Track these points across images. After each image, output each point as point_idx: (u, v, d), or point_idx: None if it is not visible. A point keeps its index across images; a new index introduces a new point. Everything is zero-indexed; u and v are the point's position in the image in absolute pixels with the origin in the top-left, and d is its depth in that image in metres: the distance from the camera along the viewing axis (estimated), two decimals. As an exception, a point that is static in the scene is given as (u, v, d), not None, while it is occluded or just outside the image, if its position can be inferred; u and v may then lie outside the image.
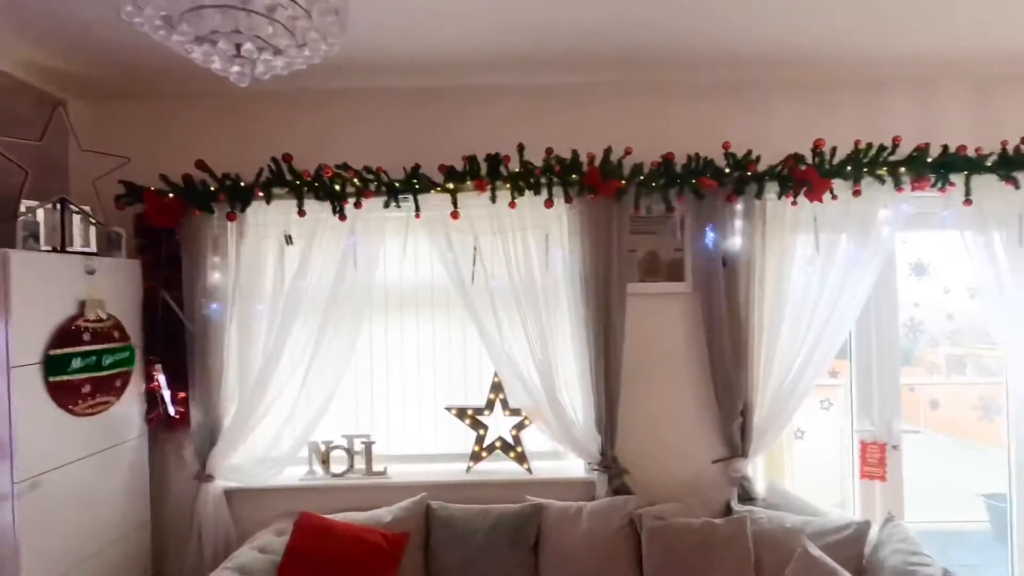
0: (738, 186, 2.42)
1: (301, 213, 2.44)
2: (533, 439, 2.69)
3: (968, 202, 2.42)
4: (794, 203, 2.43)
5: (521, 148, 2.41)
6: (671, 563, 2.11)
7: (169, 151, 2.54)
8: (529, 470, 2.59)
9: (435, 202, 2.47)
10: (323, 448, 2.60)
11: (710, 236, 2.46)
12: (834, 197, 2.42)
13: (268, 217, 2.50)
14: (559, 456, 2.71)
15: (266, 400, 2.47)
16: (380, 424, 2.73)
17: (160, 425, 2.52)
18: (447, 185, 2.44)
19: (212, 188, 2.45)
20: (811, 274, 2.47)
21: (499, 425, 2.65)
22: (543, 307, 2.49)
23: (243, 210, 2.46)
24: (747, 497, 2.46)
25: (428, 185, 2.44)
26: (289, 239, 2.48)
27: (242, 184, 2.45)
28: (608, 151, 2.42)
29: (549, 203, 2.42)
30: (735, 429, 2.47)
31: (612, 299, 2.45)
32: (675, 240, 2.55)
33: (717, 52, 2.38)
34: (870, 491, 2.76)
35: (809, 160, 2.42)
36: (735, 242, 2.44)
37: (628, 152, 2.43)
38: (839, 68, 2.51)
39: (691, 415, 2.57)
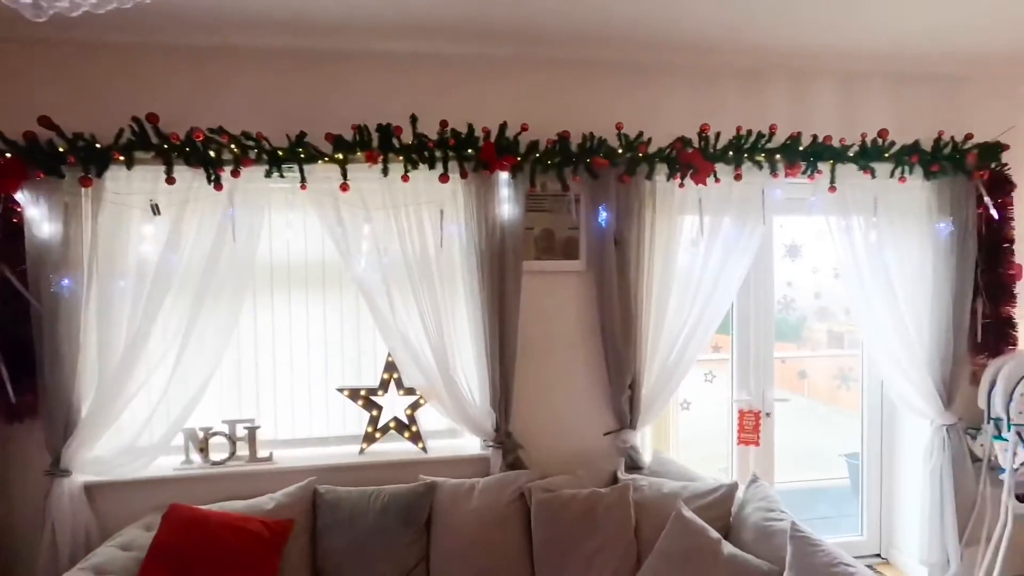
0: (630, 167, 2.48)
1: (170, 180, 2.22)
2: (429, 418, 2.66)
3: (833, 189, 2.63)
4: (681, 185, 2.52)
5: (414, 119, 2.33)
6: (558, 532, 2.16)
7: (7, 106, 2.22)
8: (424, 449, 2.56)
9: (323, 173, 2.33)
10: (201, 435, 2.43)
11: (603, 215, 2.51)
12: (717, 180, 2.54)
13: (131, 184, 2.26)
14: (456, 434, 2.71)
15: (132, 385, 2.26)
16: (267, 408, 2.58)
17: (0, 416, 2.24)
18: (335, 155, 2.31)
19: (61, 149, 2.17)
20: (696, 254, 2.59)
21: (393, 405, 2.59)
22: (438, 284, 2.44)
23: (99, 175, 2.20)
24: (634, 466, 2.57)
25: (314, 155, 2.30)
26: (156, 208, 2.25)
27: (98, 146, 2.19)
28: (504, 127, 2.39)
29: (444, 178, 2.36)
30: (624, 402, 2.57)
31: (508, 276, 2.45)
32: (570, 218, 2.58)
33: (613, 33, 2.41)
34: (746, 456, 2.99)
35: (695, 144, 2.52)
36: (626, 221, 2.51)
37: (524, 129, 2.41)
38: (726, 56, 2.61)
39: (584, 389, 2.64)
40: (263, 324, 2.57)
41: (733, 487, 2.19)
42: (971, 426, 2.80)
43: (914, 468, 2.92)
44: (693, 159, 2.47)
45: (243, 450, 2.46)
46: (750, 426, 2.93)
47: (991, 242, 2.75)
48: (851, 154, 2.63)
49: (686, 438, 3.45)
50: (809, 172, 2.60)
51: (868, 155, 2.63)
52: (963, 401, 2.78)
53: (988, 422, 2.71)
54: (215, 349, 2.33)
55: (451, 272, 2.49)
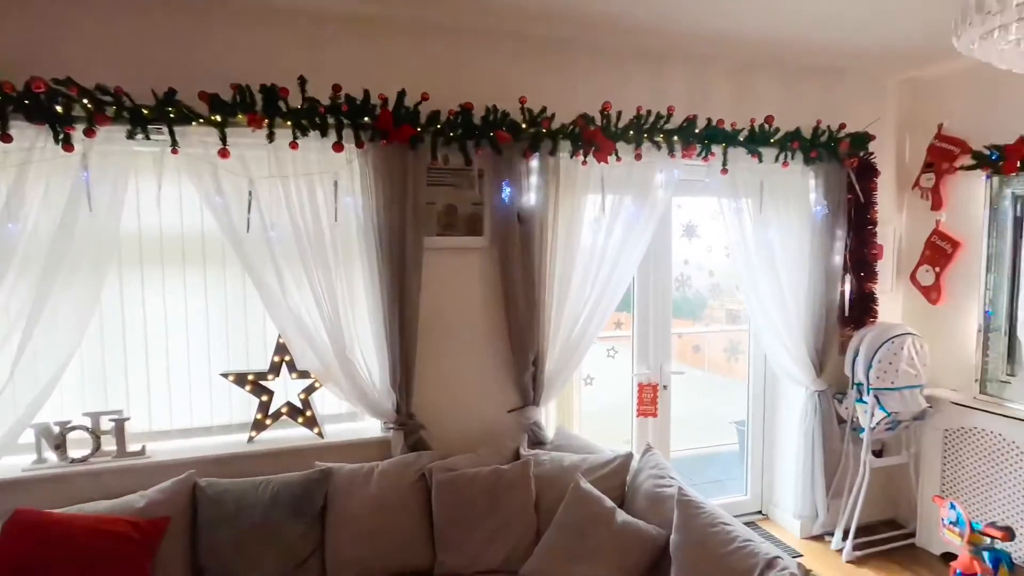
0: (533, 142, 2.45)
1: (5, 138, 1.91)
2: (327, 402, 2.53)
3: (725, 171, 2.76)
4: (584, 163, 2.53)
5: (303, 81, 2.15)
6: (459, 511, 2.14)
7: None
8: (321, 434, 2.44)
9: (198, 137, 2.10)
10: (57, 430, 2.15)
11: (507, 191, 2.47)
12: (618, 159, 2.57)
13: (-47, 141, 1.92)
14: (355, 417, 2.60)
15: (-38, 376, 1.95)
16: (139, 398, 2.34)
17: None
18: (213, 117, 2.09)
19: None
20: (598, 232, 2.63)
21: (286, 390, 2.44)
22: (333, 260, 2.30)
23: (-91, 128, 1.85)
24: (538, 442, 2.60)
25: (187, 115, 2.07)
26: (-14, 170, 1.93)
27: (-95, 93, 1.83)
28: (402, 94, 2.27)
29: (338, 147, 2.21)
30: (528, 379, 2.58)
31: (408, 252, 2.35)
32: (474, 193, 2.52)
33: (518, 3, 2.34)
34: (645, 427, 3.12)
35: (598, 122, 2.54)
36: (530, 198, 2.49)
37: (425, 98, 2.31)
38: (629, 36, 2.62)
39: (488, 367, 2.62)
40: (132, 304, 2.31)
41: (628, 457, 2.26)
42: (838, 391, 3.09)
43: (791, 431, 3.19)
44: (595, 137, 2.48)
45: (110, 445, 2.21)
46: (648, 399, 3.06)
47: (858, 224, 3.02)
48: (741, 138, 2.77)
49: (590, 412, 3.56)
50: (703, 154, 2.71)
51: (756, 140, 2.78)
52: (832, 369, 3.06)
53: (852, 387, 3.00)
54: (71, 332, 2.06)
55: (347, 248, 2.35)
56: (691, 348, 3.84)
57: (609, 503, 2.06)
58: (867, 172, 3.00)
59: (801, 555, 2.99)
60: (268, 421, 2.40)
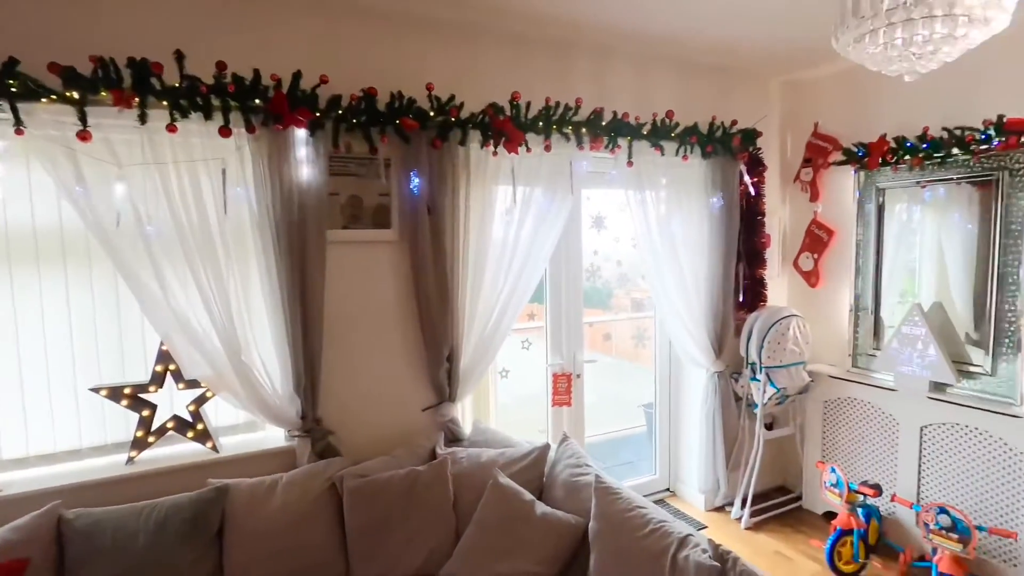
0: (442, 131, 2.37)
1: None
2: (223, 412, 2.31)
3: (630, 164, 2.84)
4: (495, 153, 2.49)
5: (180, 57, 1.92)
6: (373, 518, 2.04)
7: None
8: (215, 448, 2.22)
9: (50, 116, 1.81)
10: None
11: (415, 181, 2.37)
12: (528, 150, 2.56)
13: None
14: (255, 427, 2.41)
15: None
16: (-16, 421, 2.00)
17: None
18: (69, 94, 1.81)
19: None
20: (510, 223, 2.60)
21: (172, 402, 2.19)
22: (223, 256, 2.09)
23: None
24: (455, 439, 2.54)
25: (36, 90, 1.78)
26: None
27: None
28: (298, 76, 2.09)
29: (225, 131, 2.00)
30: (442, 375, 2.51)
31: (310, 247, 2.19)
32: (380, 184, 2.39)
33: (420, -16, 2.25)
34: (560, 416, 3.16)
35: (507, 112, 2.50)
36: (440, 188, 2.41)
37: (323, 80, 2.15)
38: (537, 25, 2.60)
39: (400, 365, 2.52)
40: (-29, 313, 1.96)
41: (545, 448, 2.27)
42: (735, 371, 3.31)
43: (693, 411, 3.38)
44: (505, 127, 2.45)
45: (-53, 479, 1.87)
46: (563, 388, 3.10)
47: (749, 215, 3.24)
48: (645, 132, 2.86)
49: (506, 404, 3.55)
50: (610, 147, 2.76)
51: (658, 134, 2.88)
52: (729, 351, 3.26)
53: (746, 367, 3.22)
54: None
55: (241, 242, 2.15)
56: (602, 336, 3.96)
57: (528, 496, 2.05)
58: (756, 166, 3.22)
59: (706, 527, 3.19)
60: (151, 439, 2.15)
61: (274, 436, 2.37)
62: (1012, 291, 2.50)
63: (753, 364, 3.16)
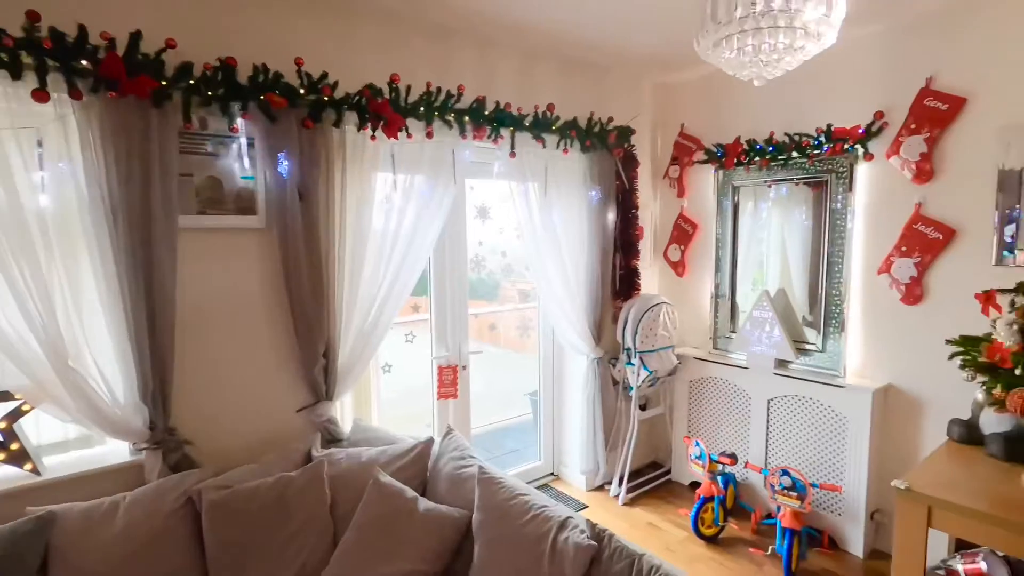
0: (314, 111, 2.21)
1: None
2: (47, 427, 1.98)
3: (513, 155, 2.85)
4: (373, 137, 2.37)
5: (-26, 1, 1.59)
6: (238, 533, 1.86)
7: None
8: (36, 471, 1.89)
9: None
10: None
11: (285, 164, 2.18)
12: (409, 136, 2.47)
13: None
14: (93, 441, 2.09)
15: None
16: None
17: None
18: None
19: None
20: (390, 212, 2.50)
21: (-25, 418, 1.83)
22: (42, 246, 1.77)
23: None
24: (333, 439, 2.40)
25: None
26: None
27: None
28: (136, 36, 1.83)
29: (42, 95, 1.69)
30: (318, 373, 2.35)
31: (156, 235, 1.93)
32: (242, 166, 2.17)
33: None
34: (446, 408, 3.12)
35: (386, 94, 2.39)
36: (313, 173, 2.24)
37: (170, 45, 1.90)
38: (416, 6, 2.52)
39: (270, 364, 2.32)
40: None
41: (429, 443, 2.22)
42: (612, 357, 3.48)
43: (575, 397, 3.51)
44: (383, 110, 2.33)
45: None
46: (448, 380, 3.06)
47: (624, 208, 3.41)
48: (527, 124, 2.88)
49: (390, 400, 3.44)
50: (493, 137, 2.75)
51: (539, 126, 2.93)
52: (607, 337, 3.43)
53: (622, 352, 3.41)
54: None
55: (66, 229, 1.84)
56: (488, 327, 3.98)
57: (411, 493, 1.99)
58: (630, 162, 3.40)
59: (587, 506, 3.33)
60: (-53, 464, 1.78)
61: (117, 451, 2.08)
62: (838, 279, 2.88)
63: (628, 349, 3.35)
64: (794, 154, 2.98)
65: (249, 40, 2.14)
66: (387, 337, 2.59)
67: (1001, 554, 2.14)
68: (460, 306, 3.11)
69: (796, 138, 2.95)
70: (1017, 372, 1.84)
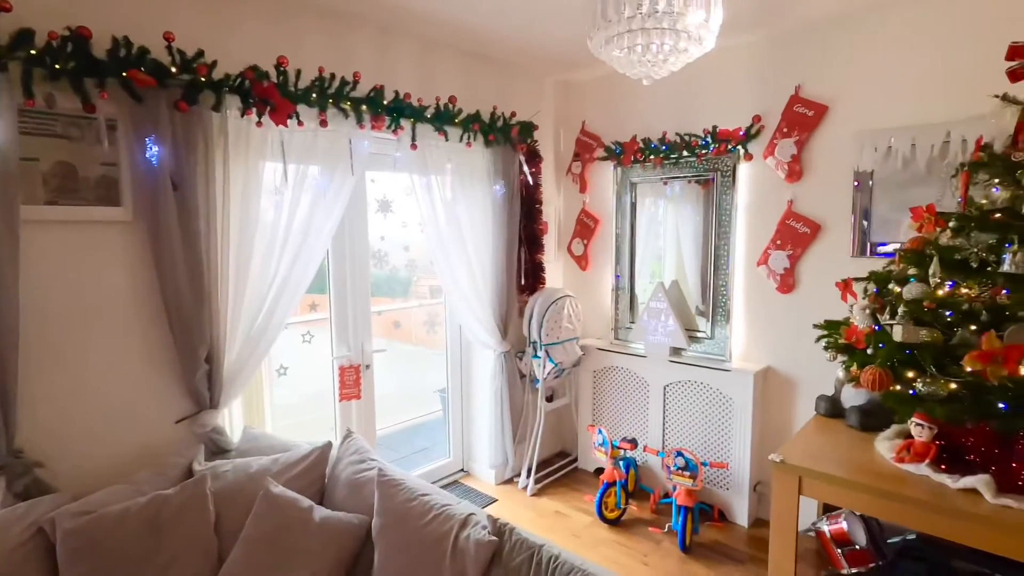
0: (190, 92, 2.01)
1: None
2: None
3: (414, 146, 2.78)
4: (259, 124, 2.20)
5: None
6: (103, 565, 1.65)
7: None
8: None
9: None
10: None
11: (154, 150, 1.97)
12: (300, 123, 2.32)
13: None
14: (-88, 472, 1.77)
15: None
16: None
17: None
18: None
19: None
20: (281, 205, 2.34)
21: None
22: None
23: None
24: (219, 451, 2.22)
25: None
26: None
27: None
28: (-44, -5, 1.56)
29: None
30: (200, 380, 2.16)
31: (-9, 228, 1.67)
32: (102, 150, 1.93)
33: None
34: (349, 410, 2.99)
35: (273, 77, 2.23)
36: (189, 160, 2.04)
37: (4, 8, 1.64)
38: (306, -13, 2.37)
39: (142, 372, 2.10)
40: None
41: (326, 448, 2.11)
42: (519, 350, 3.52)
43: (483, 391, 3.51)
44: (269, 94, 2.18)
45: None
46: (351, 381, 2.94)
47: (528, 203, 3.44)
48: (428, 115, 2.82)
49: (286, 405, 3.25)
50: (393, 127, 2.67)
51: (441, 118, 2.87)
52: (514, 331, 3.46)
53: (529, 345, 3.45)
54: None
55: None
56: (392, 324, 3.87)
57: (306, 502, 1.88)
58: (533, 157, 3.44)
59: (496, 500, 3.34)
60: None
61: (-55, 480, 1.78)
62: (724, 271, 3.09)
63: (535, 343, 3.40)
64: (684, 153, 3.16)
65: (108, 9, 1.90)
66: (281, 338, 2.43)
67: (859, 514, 2.41)
68: (362, 303, 2.99)
69: (686, 138, 3.12)
70: (869, 351, 2.06)
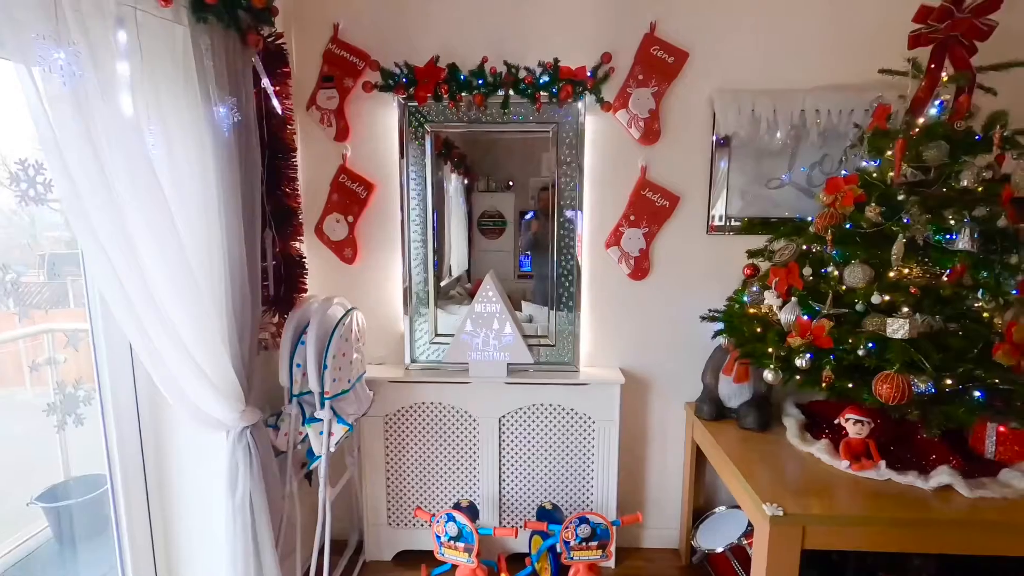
0: None
1: None
2: None
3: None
4: None
5: None
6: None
7: None
8: None
9: None
10: None
11: None
12: None
13: None
14: None
15: None
16: None
17: None
18: None
19: None
20: None
21: None
22: None
23: None
24: None
25: None
26: None
27: None
28: None
29: None
30: None
31: None
32: None
33: None
34: None
35: None
36: None
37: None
38: None
39: None
40: None
41: None
42: (273, 413, 2.00)
43: (204, 507, 1.85)
44: None
45: None
46: None
47: (273, 149, 1.91)
48: None
49: None
50: None
51: None
52: (262, 383, 1.91)
53: (290, 402, 1.98)
54: None
55: None
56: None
57: None
58: (277, 64, 1.91)
59: None
60: None
61: None
62: (569, 256, 2.37)
63: (301, 395, 1.96)
64: (512, 93, 2.24)
65: None
66: None
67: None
68: None
69: (514, 71, 2.21)
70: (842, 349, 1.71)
